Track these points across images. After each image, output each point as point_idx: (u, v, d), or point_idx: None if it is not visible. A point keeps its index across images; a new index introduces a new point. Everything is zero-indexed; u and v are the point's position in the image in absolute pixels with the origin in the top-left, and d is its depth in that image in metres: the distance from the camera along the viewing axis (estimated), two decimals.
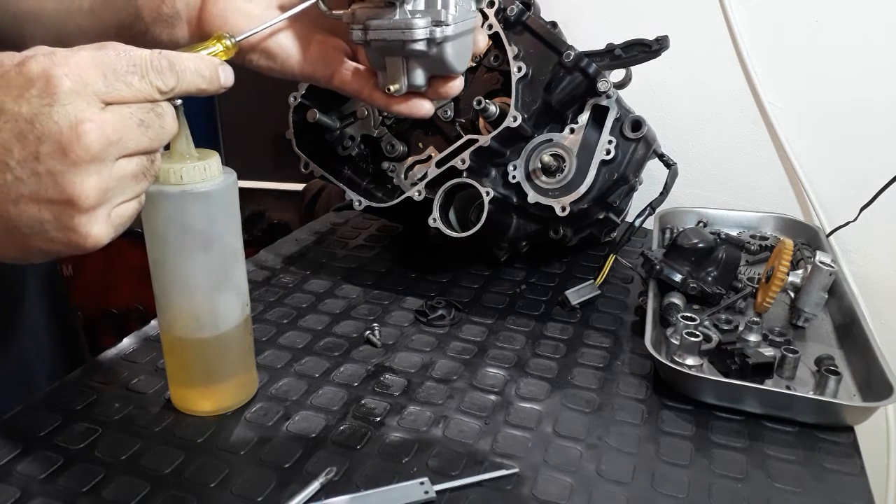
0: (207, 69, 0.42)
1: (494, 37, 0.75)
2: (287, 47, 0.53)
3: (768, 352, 0.64)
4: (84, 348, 0.83)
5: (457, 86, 0.53)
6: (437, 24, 0.48)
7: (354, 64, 0.55)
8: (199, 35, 0.53)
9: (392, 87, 0.51)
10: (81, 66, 0.36)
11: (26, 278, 0.73)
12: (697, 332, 0.64)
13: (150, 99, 0.39)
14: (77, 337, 0.83)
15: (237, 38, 0.47)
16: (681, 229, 0.81)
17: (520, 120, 0.72)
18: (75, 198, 0.37)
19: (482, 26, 0.74)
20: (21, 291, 0.73)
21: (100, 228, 0.38)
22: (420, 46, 0.48)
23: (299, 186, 1.53)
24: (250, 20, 0.52)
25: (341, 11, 0.51)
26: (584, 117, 0.74)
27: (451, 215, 0.77)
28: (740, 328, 0.70)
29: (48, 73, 0.35)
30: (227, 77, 0.44)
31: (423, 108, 0.53)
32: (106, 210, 0.39)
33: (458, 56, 0.51)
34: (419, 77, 0.51)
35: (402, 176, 0.83)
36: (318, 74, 0.55)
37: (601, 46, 0.74)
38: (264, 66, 0.54)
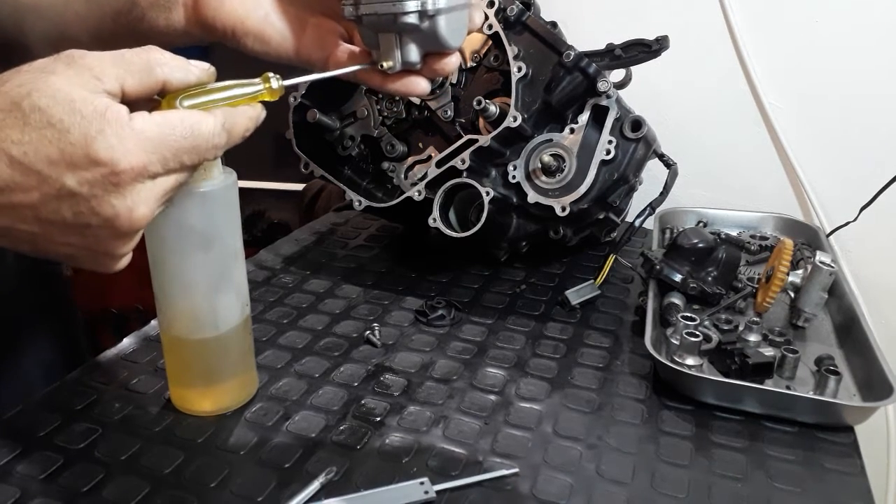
0: (253, 122, 0.43)
1: (494, 37, 0.75)
2: (282, 31, 0.52)
3: (768, 352, 0.64)
4: (84, 348, 0.83)
5: (452, 62, 0.52)
6: None
7: (349, 46, 0.54)
8: (196, 19, 0.52)
9: (385, 64, 0.50)
10: (145, 152, 0.37)
11: (24, 280, 0.73)
12: (697, 332, 0.64)
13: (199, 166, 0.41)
14: (77, 337, 0.83)
15: (285, 82, 0.45)
16: (681, 229, 0.81)
17: (520, 120, 0.72)
18: (115, 254, 0.40)
19: (482, 26, 0.74)
20: (19, 292, 0.73)
21: (130, 254, 0.41)
22: (412, 19, 0.47)
23: (299, 186, 1.52)
24: (246, 2, 0.51)
25: None
26: (584, 117, 0.74)
27: (451, 215, 0.77)
28: (740, 328, 0.70)
29: (115, 162, 0.36)
30: (261, 119, 0.45)
31: (419, 86, 0.52)
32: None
33: (452, 31, 0.49)
34: (413, 53, 0.50)
35: (402, 176, 0.83)
36: (314, 58, 0.54)
37: (601, 46, 0.74)
38: (259, 51, 0.53)
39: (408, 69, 0.51)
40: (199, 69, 0.41)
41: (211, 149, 0.40)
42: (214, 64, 0.42)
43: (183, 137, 0.38)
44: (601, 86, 0.72)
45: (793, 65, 1.00)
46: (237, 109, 0.42)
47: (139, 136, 0.37)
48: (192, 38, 0.54)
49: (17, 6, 0.54)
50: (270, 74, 0.44)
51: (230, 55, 0.54)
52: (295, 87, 0.83)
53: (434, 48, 0.50)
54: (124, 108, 0.37)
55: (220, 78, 0.43)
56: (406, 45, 0.49)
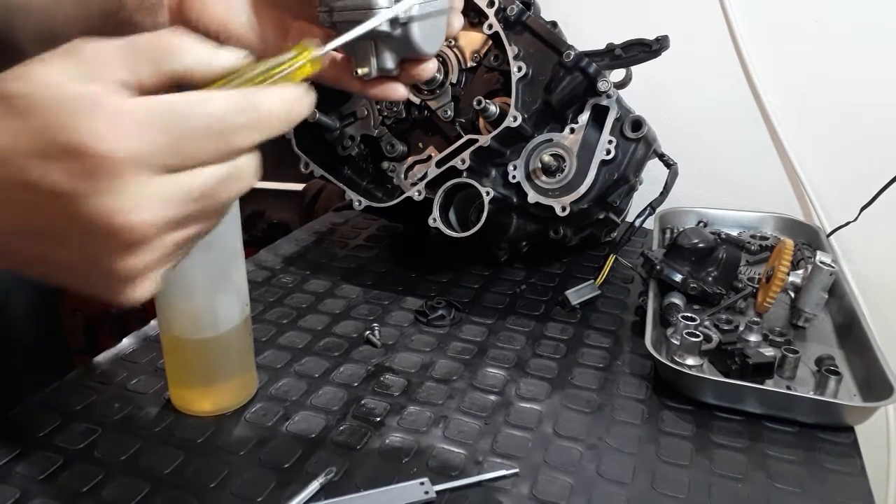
0: (288, 104, 0.34)
1: (494, 37, 0.75)
2: (264, 36, 0.52)
3: (769, 352, 0.63)
4: (69, 349, 0.82)
5: (428, 69, 0.51)
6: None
7: (331, 52, 0.54)
8: (180, 21, 0.52)
9: (360, 71, 0.50)
10: (140, 135, 0.29)
11: (10, 283, 0.73)
12: (698, 332, 0.64)
13: (225, 160, 0.32)
14: (63, 338, 0.82)
15: (322, 51, 0.39)
16: (681, 229, 0.81)
17: (520, 120, 0.72)
18: (117, 272, 0.31)
19: (482, 26, 0.74)
20: (5, 295, 0.73)
21: (151, 278, 0.32)
22: (383, 27, 0.47)
23: (299, 186, 1.52)
24: (230, 4, 0.51)
25: None
26: (584, 117, 0.74)
27: (451, 215, 0.77)
28: (740, 328, 0.70)
29: (97, 147, 0.28)
30: (309, 107, 0.35)
31: (397, 91, 0.51)
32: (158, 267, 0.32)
33: (427, 38, 0.49)
34: (388, 60, 0.50)
35: (402, 176, 0.83)
36: None
37: (601, 46, 0.74)
38: None
39: (385, 75, 0.51)
40: (228, 56, 0.33)
41: (235, 129, 0.31)
42: None
43: (190, 113, 0.30)
44: (601, 86, 0.72)
45: (793, 65, 1.00)
46: (263, 86, 0.34)
47: (130, 114, 0.29)
48: None
49: (7, 5, 0.54)
50: (308, 41, 0.37)
51: None
52: None
53: (409, 55, 0.50)
54: (117, 95, 0.29)
55: None
56: (381, 52, 0.50)
